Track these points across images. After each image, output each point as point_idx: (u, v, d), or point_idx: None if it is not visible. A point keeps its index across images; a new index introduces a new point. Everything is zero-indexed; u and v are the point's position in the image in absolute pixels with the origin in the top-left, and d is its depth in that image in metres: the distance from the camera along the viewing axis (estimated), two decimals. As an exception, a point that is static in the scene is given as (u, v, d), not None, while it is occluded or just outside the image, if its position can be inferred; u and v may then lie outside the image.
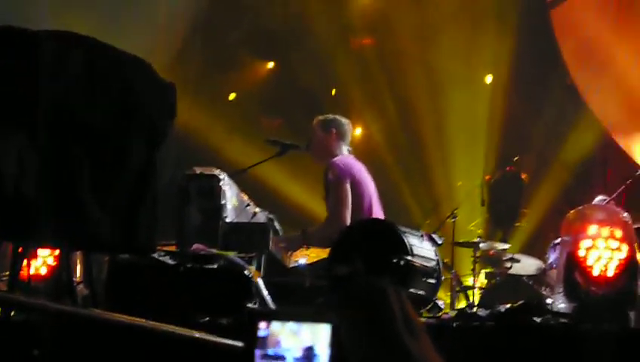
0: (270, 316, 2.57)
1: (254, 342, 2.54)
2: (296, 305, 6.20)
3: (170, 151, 4.80)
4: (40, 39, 4.19)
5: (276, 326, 2.56)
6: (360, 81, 13.32)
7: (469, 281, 10.00)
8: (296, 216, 11.09)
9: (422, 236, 6.54)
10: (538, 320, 5.47)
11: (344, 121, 7.93)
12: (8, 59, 4.15)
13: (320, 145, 7.84)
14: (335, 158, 7.64)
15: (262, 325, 2.56)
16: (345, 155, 7.77)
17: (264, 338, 2.52)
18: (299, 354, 2.51)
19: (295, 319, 2.55)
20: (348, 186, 7.47)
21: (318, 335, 2.52)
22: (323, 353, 2.50)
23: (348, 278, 6.16)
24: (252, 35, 13.58)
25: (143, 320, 3.98)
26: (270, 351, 2.53)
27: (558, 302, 6.25)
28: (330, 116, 7.96)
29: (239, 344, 3.81)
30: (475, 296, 9.58)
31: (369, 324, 2.51)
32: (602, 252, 5.85)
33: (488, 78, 13.34)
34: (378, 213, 7.69)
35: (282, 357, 2.51)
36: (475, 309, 6.40)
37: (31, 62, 4.13)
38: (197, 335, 4.29)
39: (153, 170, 4.52)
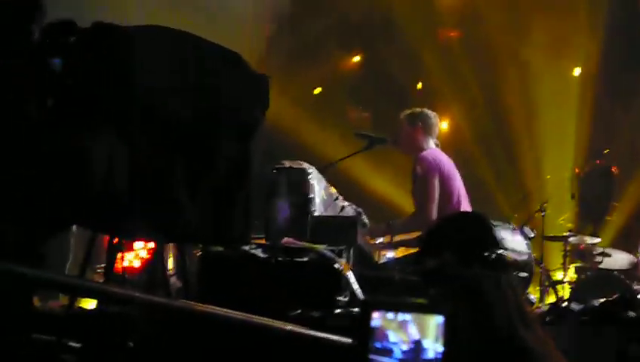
0: (382, 306, 2.55)
1: (368, 333, 2.53)
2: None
3: (260, 145, 4.81)
4: (129, 35, 4.23)
5: (383, 319, 2.54)
6: (447, 73, 13.22)
7: (557, 276, 9.87)
8: (384, 210, 11.05)
9: (513, 229, 6.47)
10: (633, 314, 5.37)
11: (431, 114, 7.91)
12: (97, 56, 4.20)
13: (407, 139, 7.83)
14: (424, 152, 7.62)
15: (375, 315, 2.55)
16: (433, 149, 7.74)
17: (372, 331, 2.51)
18: (406, 347, 2.49)
19: (407, 310, 2.52)
20: (436, 181, 7.45)
21: (426, 328, 2.49)
22: (431, 347, 2.47)
23: (438, 271, 6.11)
24: (339, 28, 13.56)
25: (237, 313, 4.00)
26: (378, 344, 2.51)
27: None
28: (417, 110, 7.95)
29: (348, 340, 3.82)
30: (565, 291, 9.45)
31: (485, 315, 2.50)
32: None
33: (577, 71, 13.14)
34: (466, 207, 7.65)
35: (390, 351, 2.49)
36: (567, 303, 6.29)
37: (120, 58, 4.18)
38: (302, 330, 4.30)
39: (246, 162, 4.55)
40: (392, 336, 2.51)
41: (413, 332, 2.51)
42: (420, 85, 13.77)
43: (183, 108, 4.41)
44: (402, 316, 2.53)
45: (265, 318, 4.13)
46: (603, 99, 12.74)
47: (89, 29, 4.22)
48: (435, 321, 2.50)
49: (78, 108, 4.13)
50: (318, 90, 13.92)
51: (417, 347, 2.49)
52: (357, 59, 14.18)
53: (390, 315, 2.53)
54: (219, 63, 4.62)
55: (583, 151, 12.24)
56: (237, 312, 3.97)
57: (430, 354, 2.46)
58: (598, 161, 11.14)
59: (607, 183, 11.18)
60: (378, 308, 2.55)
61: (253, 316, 4.08)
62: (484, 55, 13.20)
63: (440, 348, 2.47)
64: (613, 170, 11.13)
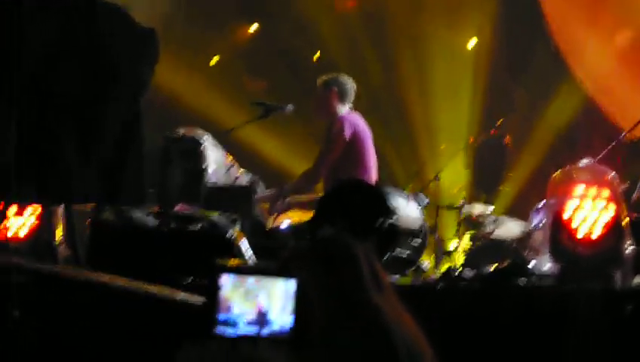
0: (231, 270, 2.49)
1: (215, 302, 2.46)
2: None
3: (153, 114, 4.75)
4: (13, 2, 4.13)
5: (231, 286, 2.48)
6: (344, 44, 13.21)
7: (451, 245, 9.96)
8: (280, 177, 11.02)
9: (407, 196, 6.50)
10: (523, 281, 5.44)
11: (347, 79, 7.89)
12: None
13: (322, 103, 7.79)
14: (344, 114, 7.59)
15: (224, 280, 2.49)
16: (352, 113, 7.72)
17: (219, 300, 2.44)
18: (251, 318, 2.42)
19: (256, 273, 2.47)
20: (343, 144, 7.41)
21: (274, 296, 2.44)
22: (277, 318, 2.41)
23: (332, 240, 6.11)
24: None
25: (122, 279, 3.94)
26: (222, 316, 2.44)
27: (544, 264, 6.23)
28: (333, 75, 7.92)
29: (200, 299, 3.78)
30: (459, 260, 9.54)
31: (337, 279, 2.46)
32: (589, 213, 5.80)
33: (471, 42, 13.25)
34: (374, 175, 7.66)
35: (234, 323, 2.42)
36: (460, 270, 6.35)
37: (3, 24, 4.07)
38: (158, 291, 4.25)
39: (137, 119, 4.48)
40: (237, 308, 2.44)
41: (261, 302, 2.45)
42: (317, 55, 13.74)
43: (70, 70, 4.32)
44: (251, 282, 2.46)
45: (149, 285, 4.07)
46: (498, 71, 12.86)
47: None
48: (283, 287, 2.44)
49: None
50: (215, 59, 13.81)
51: (262, 319, 2.43)
52: (254, 28, 14.09)
53: (237, 281, 2.46)
54: (105, 20, 4.53)
55: (477, 121, 12.35)
56: (123, 278, 3.90)
57: (275, 327, 2.40)
58: (492, 131, 11.22)
59: (501, 153, 11.30)
60: (227, 272, 2.48)
61: (139, 282, 4.02)
62: (380, 25, 13.22)
63: (287, 320, 2.40)
64: (506, 140, 11.24)
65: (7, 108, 4.09)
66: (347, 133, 7.44)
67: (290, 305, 2.41)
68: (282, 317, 2.40)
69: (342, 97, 7.76)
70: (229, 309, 2.42)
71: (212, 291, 2.40)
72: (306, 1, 13.14)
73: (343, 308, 2.42)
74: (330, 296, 2.43)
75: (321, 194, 7.34)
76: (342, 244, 2.47)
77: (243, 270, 2.46)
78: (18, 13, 4.11)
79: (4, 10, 4.12)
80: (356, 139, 7.51)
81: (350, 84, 7.87)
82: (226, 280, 2.44)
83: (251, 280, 2.43)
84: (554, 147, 12.05)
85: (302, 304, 2.41)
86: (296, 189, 7.54)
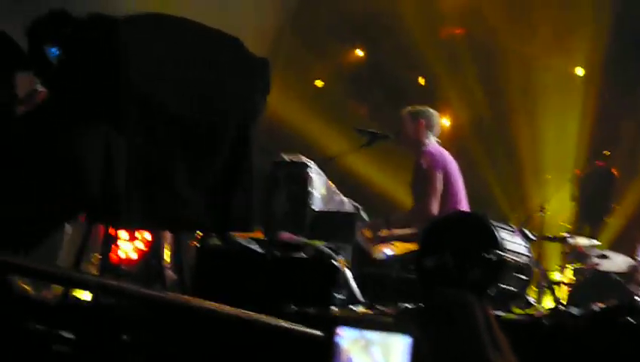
0: (348, 322, 2.47)
1: (333, 353, 2.44)
2: (383, 298, 6.13)
3: (259, 138, 4.77)
4: (125, 25, 4.18)
5: (349, 339, 2.45)
6: (449, 71, 13.16)
7: (555, 277, 9.82)
8: (383, 206, 10.99)
9: (514, 231, 6.43)
10: (634, 321, 5.31)
11: (433, 112, 7.88)
12: (93, 48, 4.15)
13: (408, 135, 7.77)
14: (428, 147, 7.57)
15: (340, 332, 2.47)
16: (436, 145, 7.69)
17: (337, 351, 2.42)
18: None
19: (372, 328, 2.45)
20: (440, 175, 7.39)
21: (391, 351, 2.41)
22: None
23: (436, 271, 6.07)
24: (342, 23, 13.50)
25: (229, 308, 3.95)
26: None
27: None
28: (420, 107, 7.90)
29: (319, 332, 3.77)
30: (562, 293, 9.40)
31: (453, 337, 2.40)
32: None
33: (579, 70, 13.08)
34: (465, 206, 7.59)
35: None
36: (567, 307, 6.24)
37: (116, 50, 4.12)
38: (281, 323, 4.24)
39: (248, 148, 4.51)
40: (357, 360, 2.42)
41: (378, 356, 2.42)
42: (422, 80, 13.70)
43: (182, 97, 4.38)
44: (368, 335, 2.44)
45: (258, 314, 4.08)
46: (605, 100, 12.67)
47: (84, 20, 4.16)
48: (400, 343, 2.41)
49: (75, 100, 4.08)
50: (319, 84, 13.87)
51: None
52: (359, 53, 14.12)
53: (355, 334, 2.44)
54: (218, 49, 4.58)
55: (583, 151, 12.18)
56: (231, 307, 3.91)
57: None
58: (598, 162, 11.05)
59: (607, 185, 11.12)
60: (344, 325, 2.46)
61: (247, 311, 4.02)
62: (486, 52, 13.14)
63: None
64: (613, 171, 11.06)
65: (117, 135, 4.14)
66: (437, 167, 7.40)
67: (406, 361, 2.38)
68: (401, 369, 2.38)
69: (429, 129, 7.73)
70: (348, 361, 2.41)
71: (330, 341, 2.38)
72: (411, 27, 13.11)
73: None
74: (447, 356, 2.38)
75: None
76: (461, 303, 2.42)
77: (361, 323, 2.43)
78: (131, 36, 4.17)
79: (119, 34, 4.18)
80: (445, 173, 7.47)
81: (437, 118, 7.86)
82: (345, 332, 2.42)
83: (369, 334, 2.41)
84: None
85: (418, 361, 2.37)
86: (401, 224, 7.50)
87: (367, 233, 7.36)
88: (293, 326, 4.02)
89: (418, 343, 2.39)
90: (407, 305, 5.79)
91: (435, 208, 7.34)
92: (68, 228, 6.85)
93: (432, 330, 2.39)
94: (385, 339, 2.41)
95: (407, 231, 7.54)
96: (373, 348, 2.41)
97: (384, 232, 7.46)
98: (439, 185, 7.39)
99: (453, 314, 2.41)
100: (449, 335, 2.37)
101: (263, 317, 3.98)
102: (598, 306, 5.70)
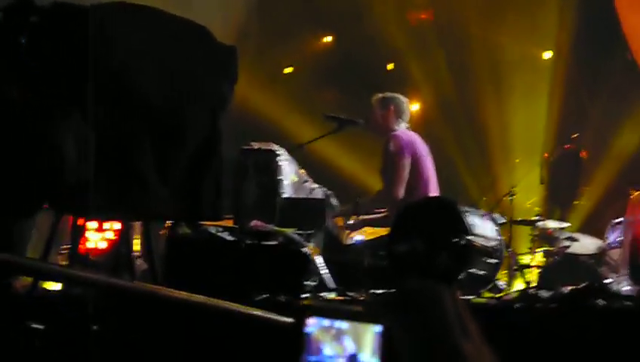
0: (318, 312, 2.46)
1: (303, 341, 2.43)
2: (354, 284, 6.15)
3: (227, 126, 4.76)
4: (91, 12, 4.16)
5: (319, 327, 2.45)
6: (417, 56, 13.19)
7: (525, 260, 9.87)
8: (354, 192, 10.99)
9: (483, 215, 6.46)
10: (602, 302, 5.35)
11: (403, 99, 7.92)
12: (59, 36, 4.12)
13: (379, 121, 7.81)
14: (397, 131, 7.60)
15: (310, 321, 2.46)
16: (405, 130, 7.72)
17: (307, 340, 2.41)
18: (342, 361, 2.39)
19: (343, 318, 2.44)
20: (407, 160, 7.43)
21: (363, 340, 2.40)
22: (367, 360, 2.37)
23: (406, 257, 6.09)
24: (309, 9, 13.48)
25: (199, 296, 3.94)
26: (312, 358, 2.41)
27: (622, 284, 6.14)
28: (389, 94, 7.94)
29: (289, 319, 3.77)
30: (533, 276, 9.45)
31: (424, 328, 2.39)
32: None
33: (546, 55, 13.13)
34: (435, 190, 7.63)
35: None
36: (536, 290, 6.27)
37: (82, 37, 4.10)
38: (251, 311, 4.24)
39: (216, 137, 4.50)
40: (327, 349, 2.41)
41: (349, 345, 2.41)
42: (390, 66, 13.71)
43: (150, 85, 4.35)
44: (338, 324, 2.43)
45: (227, 302, 4.07)
46: (573, 84, 12.73)
47: (49, 8, 4.13)
48: (372, 332, 2.40)
49: (43, 90, 4.06)
50: (288, 71, 13.85)
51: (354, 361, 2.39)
52: (328, 40, 14.11)
53: (326, 323, 2.43)
54: (185, 37, 4.57)
55: (552, 135, 12.24)
56: (200, 296, 3.90)
57: None
58: (566, 146, 11.11)
59: (576, 168, 11.19)
60: (314, 315, 2.45)
61: (216, 300, 4.02)
62: (455, 38, 13.17)
63: None
64: (582, 154, 11.13)
65: (85, 125, 4.12)
66: (405, 150, 7.44)
67: (377, 351, 2.37)
68: (373, 359, 2.36)
69: (398, 115, 7.76)
70: (319, 351, 2.39)
71: (299, 331, 2.37)
72: (378, 13, 13.12)
73: (430, 358, 2.36)
74: (417, 345, 2.37)
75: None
76: (429, 291, 2.41)
77: (332, 312, 2.42)
78: (99, 25, 4.14)
79: (85, 23, 4.15)
80: (415, 157, 7.51)
81: (406, 104, 7.91)
82: (314, 322, 2.41)
83: (339, 323, 2.40)
84: (630, 162, 11.86)
85: (389, 350, 2.36)
86: (369, 209, 7.55)
87: (338, 220, 7.38)
88: (263, 314, 4.01)
89: (388, 332, 2.39)
90: (378, 291, 5.81)
91: (400, 192, 7.39)
92: (36, 218, 6.81)
93: (401, 319, 2.38)
94: (356, 328, 2.39)
95: (376, 215, 7.58)
96: (344, 336, 2.40)
97: (353, 218, 7.49)
98: (406, 169, 7.42)
99: (422, 301, 2.39)
100: (418, 323, 2.36)
101: (233, 306, 3.97)
102: (567, 288, 5.74)
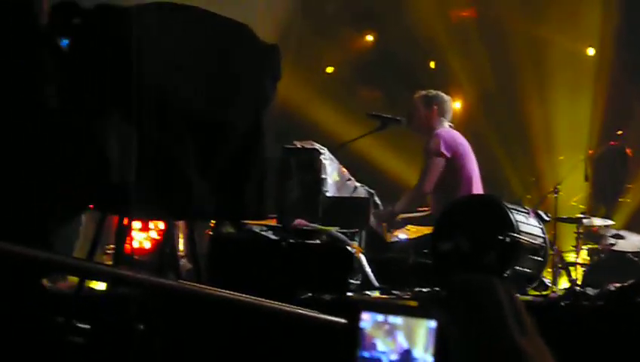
0: (372, 307, 2.45)
1: (357, 336, 2.42)
2: (398, 282, 6.13)
3: (272, 120, 4.76)
4: (134, 15, 4.17)
5: (372, 323, 2.43)
6: (460, 54, 13.14)
7: (570, 258, 9.80)
8: (397, 190, 10.97)
9: (528, 213, 6.41)
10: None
11: (446, 97, 7.83)
12: (103, 39, 4.14)
13: (421, 120, 7.75)
14: (440, 130, 7.53)
15: (364, 316, 2.44)
16: (449, 128, 7.65)
17: (360, 335, 2.40)
18: (395, 357, 2.37)
19: (397, 313, 2.42)
20: (443, 160, 7.36)
21: (415, 336, 2.38)
22: (420, 357, 2.36)
23: (451, 255, 6.06)
24: (351, 8, 13.48)
25: (245, 296, 3.94)
26: (366, 354, 2.40)
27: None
28: (433, 92, 7.86)
29: (342, 320, 3.76)
30: (578, 273, 9.39)
31: (478, 322, 2.37)
32: None
33: (590, 50, 13.04)
34: (479, 188, 7.58)
35: (378, 360, 2.37)
36: (583, 287, 6.23)
37: (125, 39, 4.11)
38: (300, 311, 4.23)
39: (259, 136, 4.50)
40: (381, 345, 2.39)
41: (402, 341, 2.40)
42: (432, 64, 13.68)
43: (193, 85, 4.36)
44: (392, 320, 2.41)
45: (274, 302, 4.07)
46: (617, 80, 12.62)
47: (93, 10, 4.15)
48: (425, 328, 2.38)
49: (86, 92, 4.08)
50: (330, 70, 13.86)
51: (407, 357, 2.37)
52: (369, 38, 14.10)
53: (379, 318, 2.41)
54: (227, 36, 4.56)
55: (596, 132, 12.14)
56: (245, 295, 3.90)
57: None
58: (611, 143, 11.01)
59: (621, 165, 11.10)
60: (367, 310, 2.44)
61: (263, 299, 4.02)
62: (497, 35, 13.10)
63: (430, 359, 2.35)
64: (627, 151, 11.02)
65: (128, 124, 4.14)
66: (446, 149, 7.37)
67: (431, 347, 2.35)
68: (425, 358, 2.35)
69: (441, 114, 7.70)
70: (373, 347, 2.38)
71: (354, 327, 2.36)
72: (421, 11, 13.09)
73: (486, 355, 2.33)
74: (472, 341, 2.34)
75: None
76: (484, 286, 2.38)
77: (385, 307, 2.41)
78: (141, 26, 4.15)
79: (128, 23, 4.17)
80: (457, 156, 7.44)
81: (449, 103, 7.82)
82: (367, 317, 2.40)
83: (392, 319, 2.39)
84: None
85: (443, 346, 2.34)
86: (403, 210, 7.51)
87: (382, 225, 7.36)
88: (313, 314, 4.01)
89: (443, 328, 2.37)
90: (422, 289, 5.79)
91: (428, 187, 7.34)
92: (82, 218, 6.87)
93: (456, 315, 2.35)
94: (409, 324, 2.38)
95: (418, 213, 7.55)
96: (397, 332, 2.39)
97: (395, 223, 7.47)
98: (439, 167, 7.35)
99: (478, 298, 2.37)
100: (474, 319, 2.34)
101: (280, 305, 3.97)
102: (613, 286, 5.69)
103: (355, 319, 2.36)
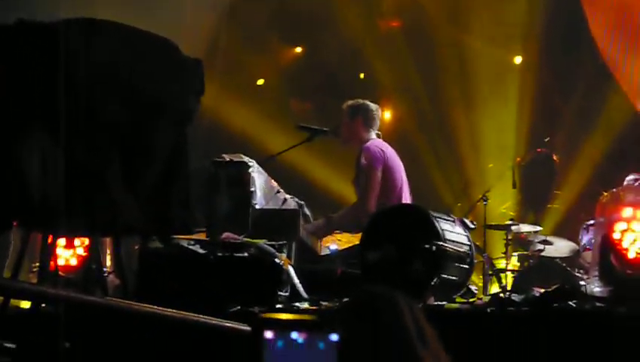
0: (274, 325, 2.47)
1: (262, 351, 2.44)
2: (327, 293, 6.16)
3: (196, 134, 4.76)
4: (58, 30, 4.15)
5: (274, 343, 2.45)
6: (389, 64, 13.21)
7: (501, 264, 9.91)
8: (327, 201, 11.01)
9: (454, 221, 6.48)
10: (573, 304, 5.39)
11: (372, 106, 7.85)
12: (23, 55, 4.12)
13: (348, 130, 7.79)
14: (368, 143, 7.57)
15: (268, 334, 2.46)
16: (376, 139, 7.70)
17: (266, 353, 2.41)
18: None
19: (303, 327, 2.44)
20: (379, 173, 7.41)
21: (317, 350, 2.41)
22: None
23: (379, 264, 6.11)
24: (279, 19, 13.50)
25: (170, 310, 3.95)
26: None
27: (593, 286, 6.18)
28: (359, 101, 7.88)
29: (247, 327, 3.78)
30: (508, 279, 9.49)
31: (379, 336, 2.40)
32: (638, 234, 5.76)
33: (517, 59, 13.20)
34: (408, 197, 7.64)
35: None
36: (508, 294, 6.31)
37: (46, 56, 4.09)
38: (211, 321, 4.24)
39: (183, 151, 4.49)
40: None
41: (303, 356, 2.42)
42: (362, 75, 13.75)
43: (115, 100, 4.35)
44: (294, 336, 2.43)
45: (202, 316, 4.08)
46: (543, 88, 12.79)
47: (12, 26, 4.13)
48: (327, 341, 2.41)
49: (8, 110, 4.06)
50: (261, 82, 13.86)
51: None
52: (298, 50, 14.13)
53: (282, 335, 2.43)
54: (150, 52, 4.56)
55: (523, 139, 12.29)
56: (174, 310, 3.91)
57: None
58: (539, 150, 11.17)
59: (549, 171, 11.23)
60: (272, 326, 2.46)
61: (190, 314, 4.03)
62: (425, 44, 13.20)
63: None
64: (554, 158, 11.18)
65: (54, 142, 4.12)
66: (376, 163, 7.42)
67: (334, 360, 2.38)
68: (330, 367, 2.38)
69: (367, 124, 7.74)
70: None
71: (257, 346, 2.38)
72: (350, 22, 13.14)
73: None
74: (376, 354, 2.37)
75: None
76: (386, 299, 2.42)
77: (287, 324, 2.43)
78: (64, 43, 4.14)
79: (50, 40, 4.15)
80: (386, 167, 7.49)
81: (376, 112, 7.85)
82: (271, 335, 2.42)
83: (294, 334, 2.41)
84: (602, 163, 11.92)
85: (346, 359, 2.37)
86: (343, 223, 7.53)
87: (311, 234, 7.38)
88: (220, 323, 4.04)
89: (344, 340, 2.39)
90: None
91: (373, 204, 7.37)
92: (11, 237, 6.80)
93: (357, 326, 2.38)
94: (311, 339, 2.40)
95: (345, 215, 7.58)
96: (299, 347, 2.41)
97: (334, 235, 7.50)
98: (377, 181, 7.40)
99: (378, 308, 2.40)
100: (376, 332, 2.37)
101: (200, 318, 3.98)
102: (538, 291, 5.78)
103: (260, 336, 2.38)
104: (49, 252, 4.57)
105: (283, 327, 2.40)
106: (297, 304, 5.83)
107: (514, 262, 9.97)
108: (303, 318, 2.43)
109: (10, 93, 4.12)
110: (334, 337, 2.39)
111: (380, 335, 2.35)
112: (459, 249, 6.27)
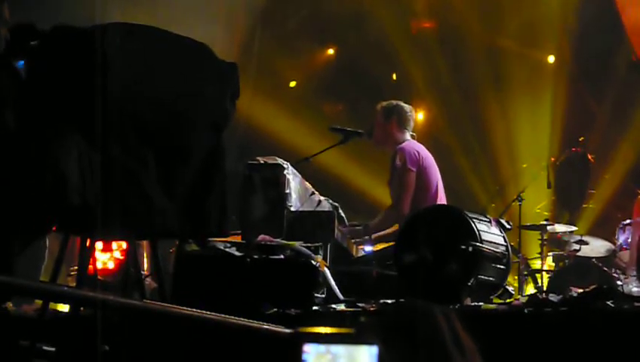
0: (313, 339, 2.46)
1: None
2: (363, 295, 6.15)
3: (233, 137, 4.78)
4: (92, 35, 4.18)
5: (315, 355, 2.44)
6: (421, 64, 13.18)
7: (536, 265, 9.88)
8: (361, 203, 11.03)
9: (490, 221, 6.45)
10: (611, 304, 5.34)
11: (406, 107, 7.80)
12: (60, 60, 4.14)
13: (381, 132, 7.74)
14: (403, 144, 7.53)
15: (306, 348, 2.45)
16: (411, 141, 7.66)
17: None
18: None
19: (338, 342, 2.43)
20: (414, 174, 7.37)
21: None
22: None
23: (415, 266, 6.10)
24: (311, 22, 13.51)
25: (208, 313, 3.96)
26: None
27: (631, 285, 6.14)
28: (393, 103, 7.84)
29: (286, 330, 3.78)
30: (543, 280, 9.46)
31: (418, 348, 2.39)
32: (676, 234, 5.72)
33: (550, 58, 13.14)
34: (443, 198, 7.60)
35: None
36: (545, 294, 6.28)
37: (82, 60, 4.12)
38: (249, 323, 4.25)
39: (220, 154, 4.52)
40: None
41: None
42: (394, 76, 13.73)
43: (152, 104, 4.37)
44: (334, 349, 2.42)
45: (240, 318, 4.09)
46: (577, 87, 12.73)
47: (49, 32, 4.16)
48: (367, 354, 2.40)
49: (44, 113, 4.09)
50: (293, 84, 13.87)
51: None
52: (331, 52, 14.13)
53: (321, 349, 2.43)
54: (186, 56, 4.58)
55: (558, 139, 12.23)
56: (212, 313, 3.92)
57: None
58: (573, 149, 11.11)
59: (583, 171, 11.16)
60: (309, 341, 2.45)
61: (229, 316, 4.04)
62: (458, 45, 13.18)
63: None
64: (588, 157, 11.11)
65: (91, 145, 4.14)
66: (411, 164, 7.38)
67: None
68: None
69: (402, 125, 7.68)
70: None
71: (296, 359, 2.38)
72: (381, 24, 13.13)
73: None
74: None
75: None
76: (422, 311, 2.41)
77: (326, 339, 2.42)
78: (103, 45, 4.16)
79: (85, 43, 4.18)
80: (421, 169, 7.44)
81: (410, 113, 7.79)
82: (310, 349, 2.42)
83: (334, 348, 2.40)
84: (638, 162, 11.85)
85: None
86: (380, 228, 7.50)
87: (347, 239, 7.38)
88: (265, 327, 4.04)
89: (382, 356, 2.38)
90: (387, 301, 5.82)
91: (408, 206, 7.33)
92: (47, 241, 6.85)
93: (394, 342, 2.37)
94: (350, 352, 2.39)
95: (385, 231, 7.54)
96: (340, 361, 2.40)
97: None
98: (412, 183, 7.37)
99: (416, 323, 2.39)
100: (413, 345, 2.36)
101: (239, 321, 3.99)
102: (575, 291, 5.74)
103: (298, 351, 2.38)
104: (88, 255, 4.59)
105: (323, 341, 2.40)
106: (333, 306, 5.83)
107: (549, 263, 9.92)
108: (342, 331, 2.42)
109: (47, 98, 4.15)
110: (374, 350, 2.38)
111: (417, 351, 2.34)
112: (495, 249, 6.24)
